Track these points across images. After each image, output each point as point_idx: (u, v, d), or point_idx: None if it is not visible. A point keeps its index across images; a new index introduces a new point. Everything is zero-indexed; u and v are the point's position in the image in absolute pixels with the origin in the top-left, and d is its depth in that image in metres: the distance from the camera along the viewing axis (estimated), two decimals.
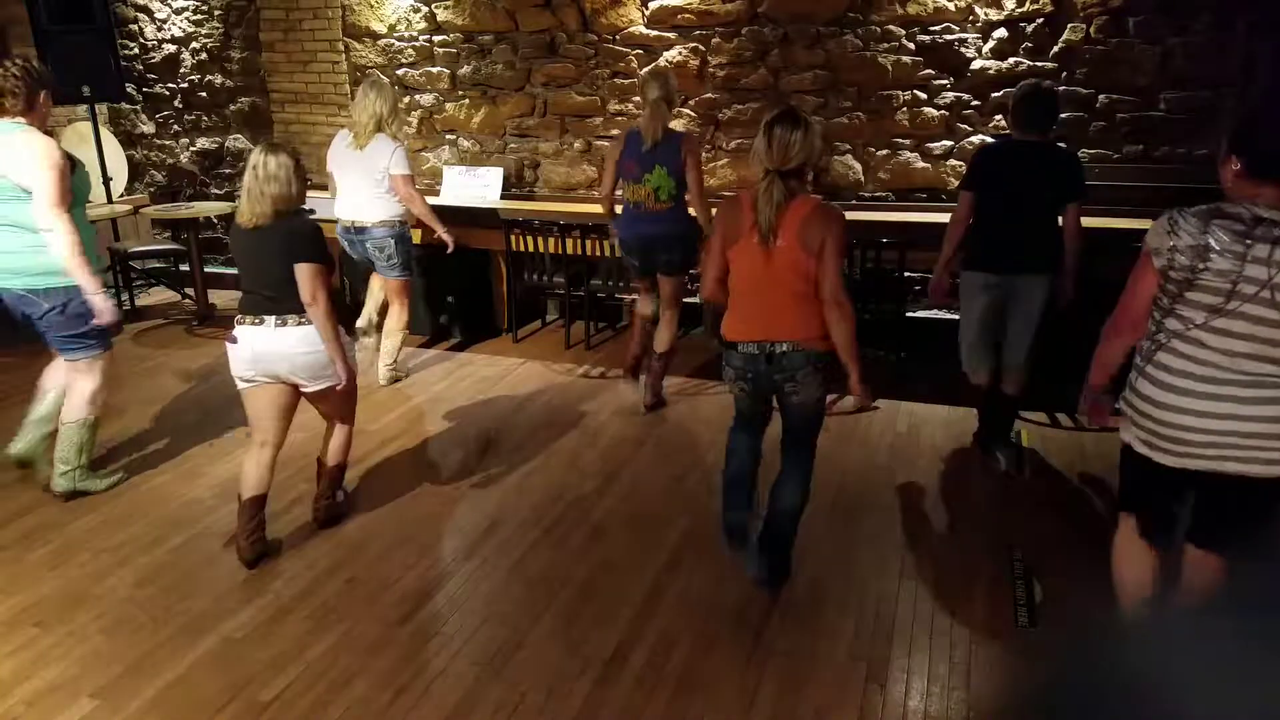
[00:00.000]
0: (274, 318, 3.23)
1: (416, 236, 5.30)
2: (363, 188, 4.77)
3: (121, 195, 6.61)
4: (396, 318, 5.06)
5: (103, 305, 3.60)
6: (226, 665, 2.81)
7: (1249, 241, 2.12)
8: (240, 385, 3.35)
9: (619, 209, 4.60)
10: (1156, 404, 2.30)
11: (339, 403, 3.49)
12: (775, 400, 3.07)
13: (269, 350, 3.24)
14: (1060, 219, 3.91)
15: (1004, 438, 4.27)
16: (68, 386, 3.81)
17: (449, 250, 5.12)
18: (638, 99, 6.10)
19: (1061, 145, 4.25)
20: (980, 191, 3.94)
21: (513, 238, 5.67)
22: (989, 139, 5.47)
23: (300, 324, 3.24)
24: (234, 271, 7.49)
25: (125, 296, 6.66)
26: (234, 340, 3.28)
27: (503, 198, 6.29)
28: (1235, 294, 2.14)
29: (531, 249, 5.64)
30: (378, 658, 2.83)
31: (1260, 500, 2.27)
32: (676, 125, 5.85)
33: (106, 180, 6.20)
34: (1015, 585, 3.17)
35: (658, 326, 4.73)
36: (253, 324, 3.25)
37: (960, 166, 5.57)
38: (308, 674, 2.76)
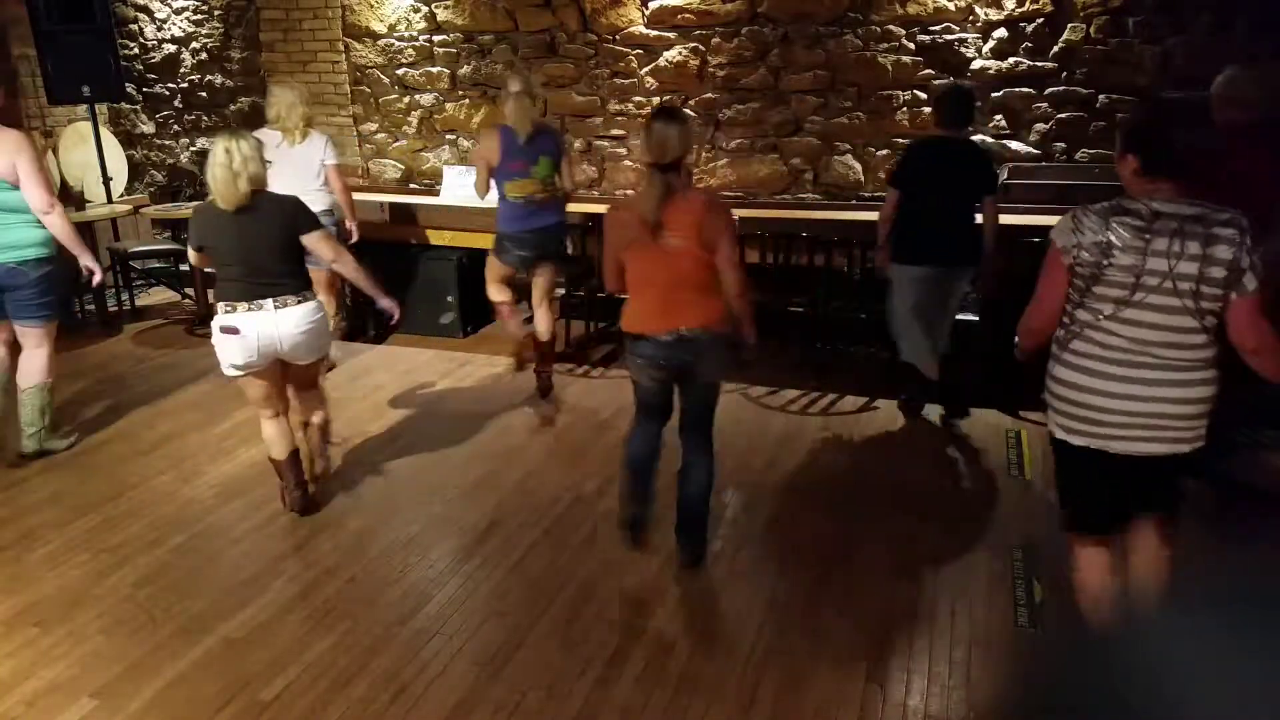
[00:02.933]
0: (271, 300, 3.33)
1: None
2: (296, 183, 4.84)
3: (121, 195, 6.61)
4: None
5: (94, 264, 4.11)
6: (226, 665, 2.81)
7: (1148, 236, 2.23)
8: (234, 374, 3.44)
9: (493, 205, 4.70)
10: (1072, 386, 2.40)
11: (317, 367, 3.69)
12: (678, 387, 3.20)
13: (273, 333, 3.34)
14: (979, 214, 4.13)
15: (916, 411, 4.56)
16: (24, 357, 4.09)
17: (351, 240, 5.13)
18: (638, 99, 6.10)
19: (975, 141, 4.37)
20: (906, 188, 4.12)
21: None
22: (988, 139, 5.47)
23: (300, 302, 3.38)
24: None
25: (125, 296, 6.66)
26: (235, 330, 3.32)
27: None
28: (1140, 286, 2.25)
29: None
30: (378, 658, 2.83)
31: (1170, 475, 2.45)
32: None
33: (106, 180, 6.20)
34: (1015, 585, 3.17)
35: (537, 317, 4.91)
36: (250, 310, 3.32)
37: None
38: (308, 674, 2.76)
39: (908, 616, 3.01)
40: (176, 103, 7.24)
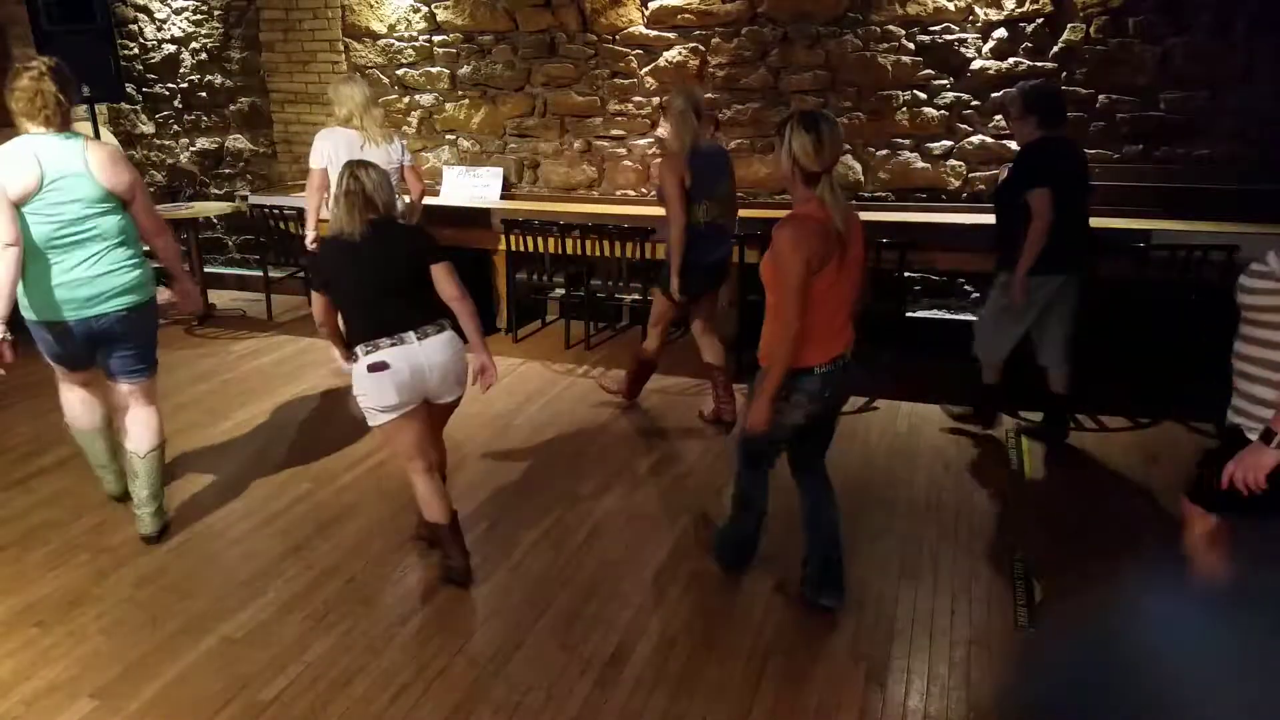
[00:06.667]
0: (412, 332, 3.01)
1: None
2: None
3: None
4: None
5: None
6: (226, 665, 2.81)
7: None
8: (389, 418, 3.06)
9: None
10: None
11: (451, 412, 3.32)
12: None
13: (422, 364, 3.02)
14: None
15: None
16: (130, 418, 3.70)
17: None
18: (638, 98, 6.10)
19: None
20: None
21: (512, 238, 5.67)
22: (988, 139, 5.48)
23: (439, 330, 3.08)
24: (235, 271, 7.49)
25: None
26: (384, 366, 2.97)
27: (502, 197, 6.29)
28: None
29: (531, 249, 5.64)
30: (378, 658, 2.83)
31: None
32: None
33: None
34: (1015, 585, 3.17)
35: (705, 344, 4.61)
36: (393, 345, 2.98)
37: (960, 166, 5.58)
38: (308, 674, 2.76)
39: (907, 616, 3.01)
40: (176, 103, 7.25)
